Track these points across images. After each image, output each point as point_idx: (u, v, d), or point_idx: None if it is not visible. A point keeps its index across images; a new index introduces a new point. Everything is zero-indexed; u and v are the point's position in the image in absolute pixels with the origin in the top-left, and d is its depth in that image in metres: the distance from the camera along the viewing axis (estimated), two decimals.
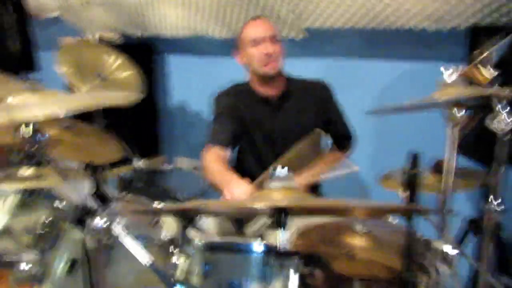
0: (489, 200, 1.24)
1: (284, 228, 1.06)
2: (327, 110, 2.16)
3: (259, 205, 1.15)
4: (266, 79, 2.06)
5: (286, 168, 1.13)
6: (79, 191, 1.15)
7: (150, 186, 2.34)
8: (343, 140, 2.23)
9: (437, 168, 1.53)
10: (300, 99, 2.12)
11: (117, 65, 2.41)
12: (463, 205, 2.22)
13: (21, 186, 1.36)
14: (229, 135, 2.05)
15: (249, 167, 2.16)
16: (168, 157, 3.30)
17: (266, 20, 2.10)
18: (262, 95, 2.10)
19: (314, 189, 2.15)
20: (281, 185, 1.12)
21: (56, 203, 1.37)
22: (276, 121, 2.10)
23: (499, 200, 1.24)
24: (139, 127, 3.19)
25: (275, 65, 2.00)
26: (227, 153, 2.02)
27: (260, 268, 1.20)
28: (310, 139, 1.89)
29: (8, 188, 1.41)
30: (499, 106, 1.20)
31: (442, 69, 1.24)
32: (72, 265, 1.30)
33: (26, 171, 1.34)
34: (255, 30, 2.02)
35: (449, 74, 1.25)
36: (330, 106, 2.17)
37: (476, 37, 1.96)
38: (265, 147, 2.13)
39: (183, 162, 3.05)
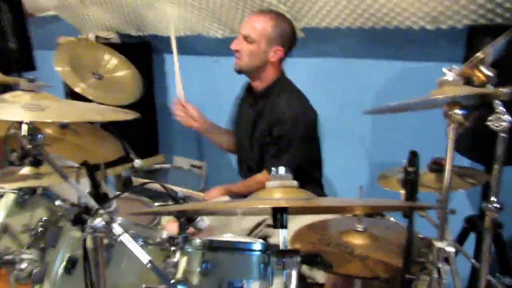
0: (489, 199, 1.24)
1: (284, 227, 1.05)
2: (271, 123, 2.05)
3: (259, 205, 1.14)
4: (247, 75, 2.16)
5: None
6: (79, 190, 1.15)
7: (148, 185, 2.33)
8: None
9: (433, 166, 1.53)
10: (267, 104, 2.09)
11: (114, 64, 2.40)
12: (462, 204, 2.23)
13: (20, 185, 1.36)
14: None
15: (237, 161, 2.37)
16: (166, 156, 3.31)
17: (257, 17, 2.07)
18: (248, 93, 2.25)
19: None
20: (280, 184, 1.12)
21: (56, 202, 1.37)
22: (244, 120, 2.25)
23: (499, 199, 1.24)
24: (137, 126, 3.19)
25: (237, 62, 2.09)
26: None
27: (260, 267, 1.20)
28: None
29: (7, 187, 1.41)
30: (497, 104, 1.21)
31: (444, 69, 1.24)
32: (72, 265, 1.30)
33: (25, 170, 1.34)
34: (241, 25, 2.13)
35: (448, 73, 1.25)
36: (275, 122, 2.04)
37: (474, 36, 1.96)
38: (241, 144, 2.29)
39: (181, 161, 3.05)
